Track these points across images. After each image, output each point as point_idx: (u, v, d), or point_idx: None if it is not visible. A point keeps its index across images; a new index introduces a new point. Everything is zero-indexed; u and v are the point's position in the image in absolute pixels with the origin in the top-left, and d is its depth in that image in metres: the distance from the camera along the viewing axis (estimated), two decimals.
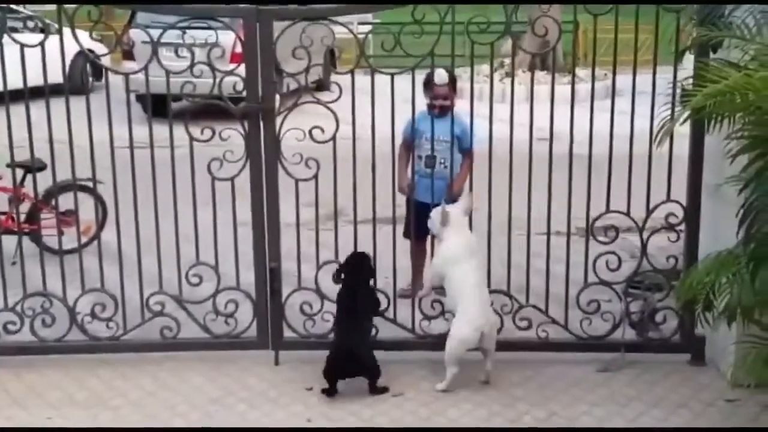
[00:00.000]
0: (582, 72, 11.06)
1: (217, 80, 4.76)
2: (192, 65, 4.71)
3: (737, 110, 3.42)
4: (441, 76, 5.32)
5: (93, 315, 5.03)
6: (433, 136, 5.18)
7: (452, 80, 5.46)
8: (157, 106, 4.86)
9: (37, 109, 4.76)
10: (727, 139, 3.70)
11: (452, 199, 5.24)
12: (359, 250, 4.98)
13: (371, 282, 4.98)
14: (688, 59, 4.62)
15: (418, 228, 5.28)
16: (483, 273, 4.85)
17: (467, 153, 5.51)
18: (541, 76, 9.63)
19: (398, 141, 5.55)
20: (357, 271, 4.90)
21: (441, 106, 5.44)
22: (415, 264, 5.72)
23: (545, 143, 4.78)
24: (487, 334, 4.61)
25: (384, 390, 4.65)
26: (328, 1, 5.21)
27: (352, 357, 4.60)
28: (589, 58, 5.28)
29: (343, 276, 4.90)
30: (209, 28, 4.73)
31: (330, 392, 4.62)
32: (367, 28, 12.12)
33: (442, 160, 5.43)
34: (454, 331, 4.66)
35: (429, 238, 5.18)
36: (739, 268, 3.58)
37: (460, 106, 5.26)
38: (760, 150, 3.45)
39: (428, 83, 5.49)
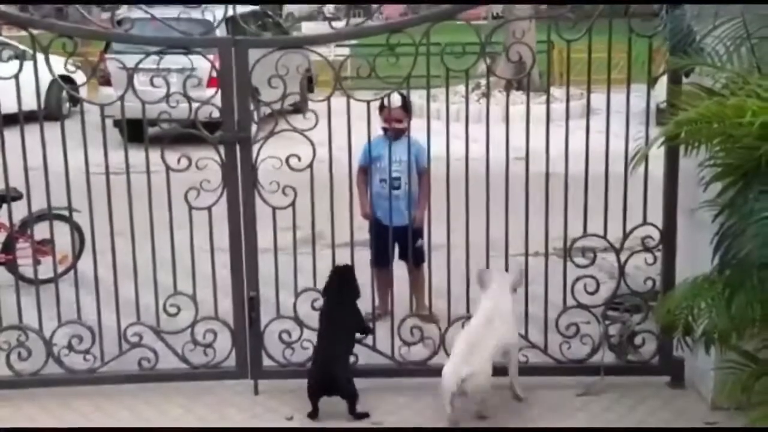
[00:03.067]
0: (558, 92, 11.10)
1: (194, 109, 4.75)
2: (168, 95, 4.70)
3: (711, 137, 3.43)
4: (393, 99, 5.33)
5: (70, 347, 4.97)
6: (392, 159, 5.22)
7: (405, 103, 5.55)
8: (135, 131, 4.84)
9: (12, 136, 4.72)
10: (701, 166, 3.72)
11: (418, 226, 5.31)
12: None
13: (356, 299, 4.95)
14: (664, 79, 4.65)
15: (383, 253, 5.22)
16: (484, 332, 4.63)
17: (423, 173, 5.56)
18: (517, 96, 9.68)
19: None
20: (339, 287, 4.91)
21: (395, 129, 5.51)
22: (381, 291, 5.67)
23: (522, 163, 4.79)
24: (468, 385, 4.40)
25: (365, 415, 4.62)
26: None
27: (328, 375, 4.60)
28: (564, 77, 5.31)
29: (326, 292, 4.92)
30: (186, 54, 4.73)
31: (312, 414, 4.62)
32: (345, 51, 12.14)
33: (406, 181, 5.48)
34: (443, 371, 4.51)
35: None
36: (715, 293, 3.58)
37: (417, 128, 5.27)
38: (733, 177, 3.46)
39: (382, 107, 5.50)
